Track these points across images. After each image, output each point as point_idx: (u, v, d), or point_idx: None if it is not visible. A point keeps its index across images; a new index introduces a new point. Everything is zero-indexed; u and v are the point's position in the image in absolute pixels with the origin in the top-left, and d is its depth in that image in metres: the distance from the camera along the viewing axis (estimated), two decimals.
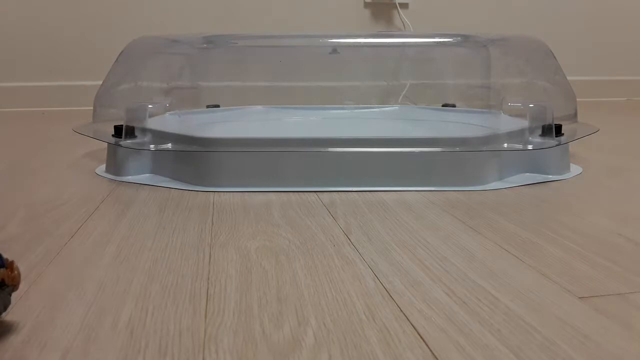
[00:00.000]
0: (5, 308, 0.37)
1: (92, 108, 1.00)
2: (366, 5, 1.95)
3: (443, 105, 1.23)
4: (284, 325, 0.37)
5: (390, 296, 0.42)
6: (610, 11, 2.18)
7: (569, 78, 1.01)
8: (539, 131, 0.84)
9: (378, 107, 1.23)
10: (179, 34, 1.02)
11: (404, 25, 1.97)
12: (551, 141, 0.81)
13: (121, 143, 0.80)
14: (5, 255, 0.37)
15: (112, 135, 0.83)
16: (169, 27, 1.82)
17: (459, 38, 1.05)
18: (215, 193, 0.73)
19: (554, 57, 1.00)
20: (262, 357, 0.33)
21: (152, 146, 0.80)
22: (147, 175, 0.81)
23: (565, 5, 2.14)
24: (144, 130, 0.83)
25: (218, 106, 1.22)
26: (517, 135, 0.81)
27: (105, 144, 0.86)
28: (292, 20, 1.91)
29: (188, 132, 0.80)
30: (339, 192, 0.73)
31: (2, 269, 0.36)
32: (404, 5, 1.97)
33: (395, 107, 1.23)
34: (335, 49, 1.18)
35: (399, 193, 0.72)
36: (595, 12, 2.17)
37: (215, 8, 1.85)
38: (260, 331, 0.37)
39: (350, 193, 0.72)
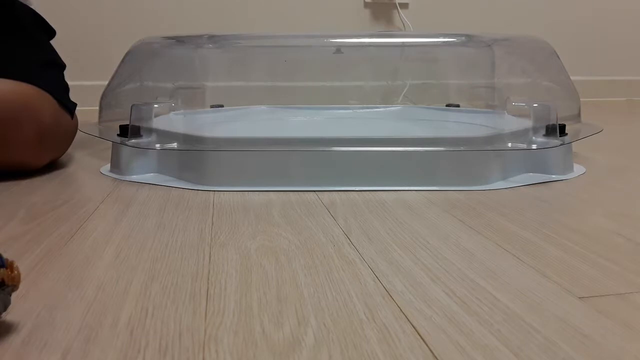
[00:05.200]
0: (5, 308, 0.37)
1: (97, 108, 1.00)
2: (366, 5, 1.95)
3: (447, 105, 1.23)
4: (284, 325, 0.37)
5: (390, 296, 0.42)
6: (610, 11, 2.18)
7: None
8: (543, 131, 0.84)
9: (382, 107, 1.23)
10: (184, 34, 1.03)
11: (403, 25, 1.97)
12: (555, 141, 0.81)
13: (127, 142, 0.81)
14: (5, 255, 0.37)
15: (118, 135, 0.84)
16: (174, 27, 1.82)
17: (463, 38, 1.05)
18: (215, 193, 0.73)
19: (558, 57, 1.00)
20: (262, 357, 0.33)
21: (157, 145, 0.80)
22: (152, 174, 0.81)
23: (565, 5, 2.13)
24: (150, 130, 0.83)
25: (222, 106, 1.22)
26: (520, 135, 0.81)
27: (110, 144, 0.86)
28: (292, 20, 1.91)
29: (192, 131, 0.80)
30: (339, 192, 0.73)
31: (2, 269, 0.36)
32: (404, 5, 1.97)
33: (399, 107, 1.23)
34: (339, 49, 1.18)
35: (399, 193, 0.72)
36: (595, 12, 2.16)
37: (216, 8, 1.85)
38: (260, 331, 0.37)
39: (350, 193, 0.72)
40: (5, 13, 0.89)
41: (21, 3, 0.93)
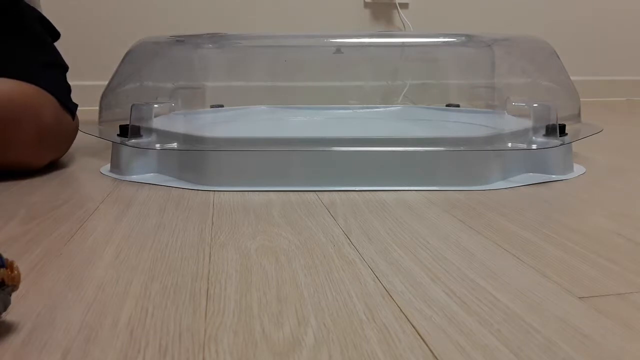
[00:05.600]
0: (5, 308, 0.37)
1: (97, 108, 1.00)
2: (366, 5, 1.95)
3: (447, 105, 1.23)
4: (284, 325, 0.37)
5: (390, 296, 0.42)
6: (610, 11, 2.18)
7: None
8: (543, 131, 0.84)
9: (382, 107, 1.23)
10: (184, 34, 1.03)
11: (403, 25, 1.97)
12: (555, 141, 0.81)
13: (127, 142, 0.81)
14: (5, 255, 0.37)
15: (118, 135, 0.84)
16: (174, 27, 1.82)
17: (464, 38, 1.05)
18: (215, 193, 0.73)
19: (558, 57, 1.00)
20: (262, 357, 0.33)
21: (157, 145, 0.80)
22: (152, 174, 0.81)
23: (565, 5, 2.13)
24: (149, 130, 0.83)
25: (222, 106, 1.22)
26: (520, 135, 0.81)
27: (110, 144, 0.86)
28: (292, 20, 1.91)
29: (192, 131, 0.80)
30: (339, 192, 0.73)
31: (2, 269, 0.36)
32: (404, 5, 1.97)
33: (399, 107, 1.23)
34: (339, 49, 1.18)
35: (399, 193, 0.72)
36: (595, 12, 2.16)
37: (216, 8, 1.85)
38: (260, 331, 0.37)
39: (350, 193, 0.72)
40: (9, 13, 0.89)
41: (26, 4, 0.93)
